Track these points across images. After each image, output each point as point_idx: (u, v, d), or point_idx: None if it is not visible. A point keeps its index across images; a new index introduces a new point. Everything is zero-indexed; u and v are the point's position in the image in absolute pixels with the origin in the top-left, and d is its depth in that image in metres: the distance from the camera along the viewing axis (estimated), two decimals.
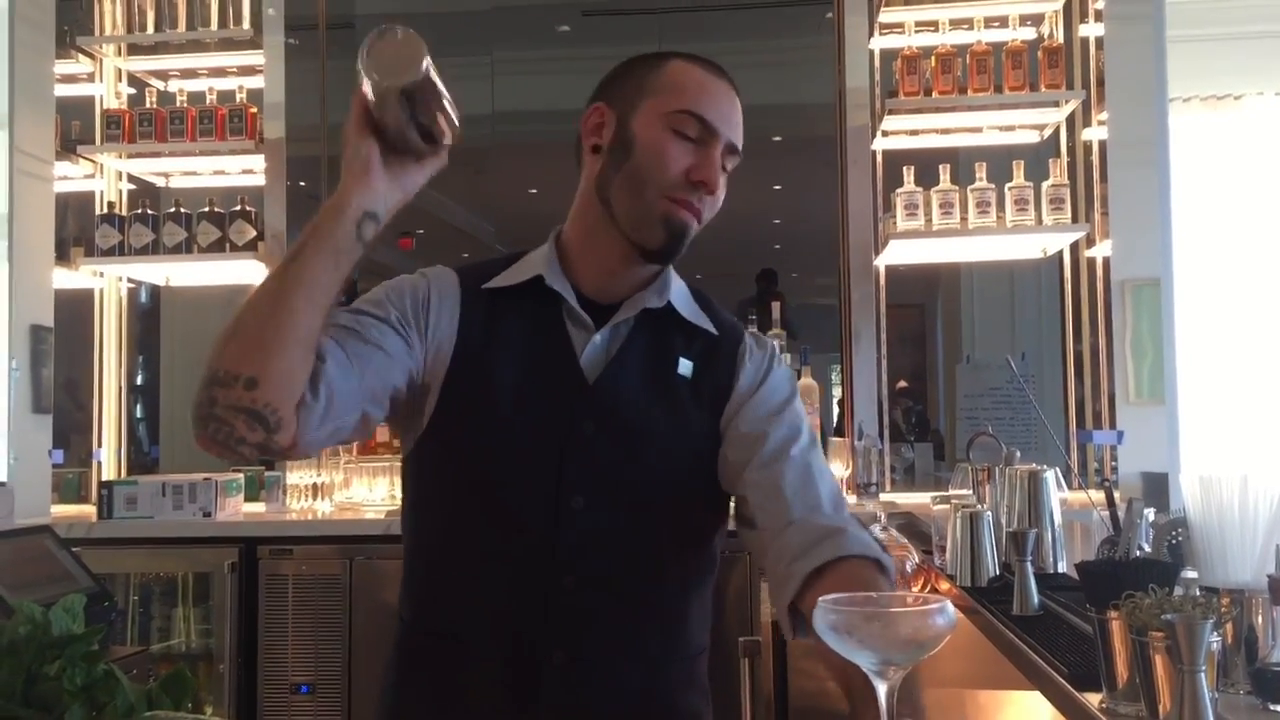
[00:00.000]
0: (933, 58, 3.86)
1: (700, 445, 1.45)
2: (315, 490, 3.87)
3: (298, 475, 3.87)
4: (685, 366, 1.47)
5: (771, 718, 2.21)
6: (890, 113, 3.91)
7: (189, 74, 4.42)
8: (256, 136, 4.18)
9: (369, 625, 3.44)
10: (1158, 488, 3.56)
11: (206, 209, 4.13)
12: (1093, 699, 1.30)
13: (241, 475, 3.89)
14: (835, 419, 4.14)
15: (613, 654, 1.43)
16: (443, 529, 1.45)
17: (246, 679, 3.47)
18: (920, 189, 3.82)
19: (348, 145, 1.26)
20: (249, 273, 4.19)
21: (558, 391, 1.42)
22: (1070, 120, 4.01)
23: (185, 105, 4.20)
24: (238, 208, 4.13)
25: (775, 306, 4.00)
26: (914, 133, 4.09)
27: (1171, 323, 3.83)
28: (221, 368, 1.19)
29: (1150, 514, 1.84)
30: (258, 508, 3.89)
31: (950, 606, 0.90)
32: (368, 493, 3.94)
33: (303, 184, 4.33)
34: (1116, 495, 2.10)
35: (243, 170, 4.36)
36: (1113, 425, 3.74)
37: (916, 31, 4.00)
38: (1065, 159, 3.93)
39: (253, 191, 4.21)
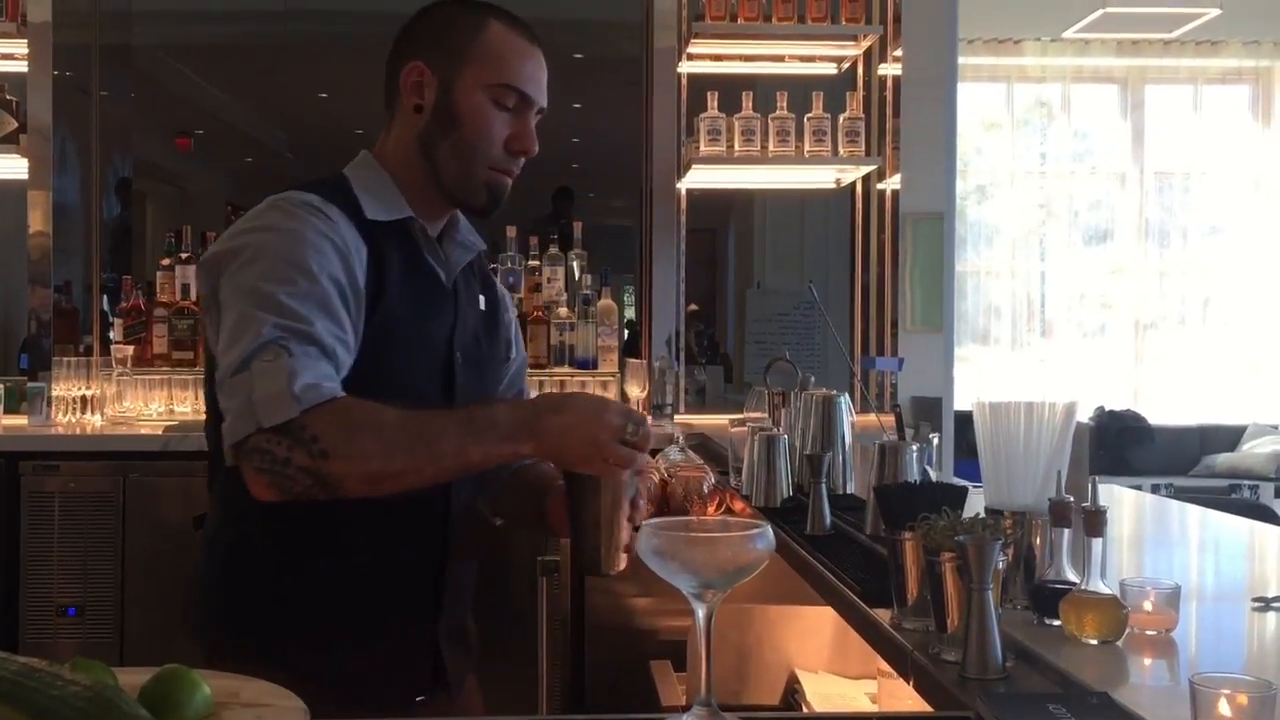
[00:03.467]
0: None
1: (504, 370, 1.68)
2: (85, 403, 3.65)
3: (64, 387, 3.63)
4: (482, 301, 1.64)
5: (567, 634, 2.25)
6: (696, 36, 3.91)
7: None
8: (18, 18, 3.81)
9: (143, 545, 3.31)
10: (930, 412, 3.77)
11: None
12: (883, 614, 1.36)
13: (1, 386, 3.63)
14: (626, 339, 4.17)
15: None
16: None
17: (7, 601, 3.30)
18: (723, 115, 3.85)
19: (599, 443, 1.32)
20: (9, 167, 3.86)
21: (440, 329, 1.54)
22: (868, 55, 4.11)
23: None
24: None
25: (578, 226, 4.02)
26: (718, 58, 4.10)
27: (951, 255, 4.02)
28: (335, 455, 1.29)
29: (935, 438, 1.93)
30: (19, 420, 3.65)
31: (770, 531, 0.92)
32: (143, 406, 3.74)
33: (69, 74, 4.00)
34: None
35: (1, 55, 3.99)
36: (894, 352, 3.91)
37: None
38: (862, 93, 4.04)
39: (14, 79, 3.86)
